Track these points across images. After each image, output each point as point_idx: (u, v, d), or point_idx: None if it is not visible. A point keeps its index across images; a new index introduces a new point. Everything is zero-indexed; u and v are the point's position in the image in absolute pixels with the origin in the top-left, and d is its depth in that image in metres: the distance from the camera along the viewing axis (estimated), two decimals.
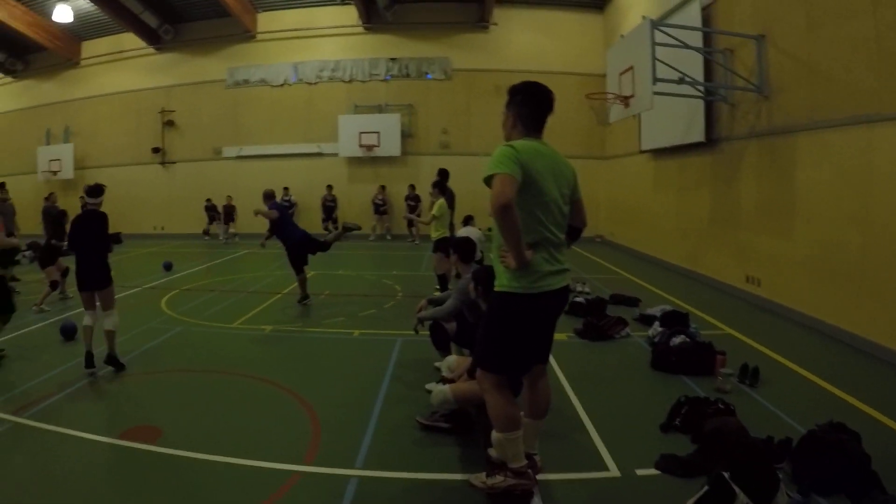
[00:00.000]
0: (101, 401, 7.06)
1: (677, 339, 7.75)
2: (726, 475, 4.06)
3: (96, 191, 8.44)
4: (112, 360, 7.90)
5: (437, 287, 11.71)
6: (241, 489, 4.83)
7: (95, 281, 7.98)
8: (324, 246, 12.25)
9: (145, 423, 6.19)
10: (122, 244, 9.42)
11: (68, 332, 9.48)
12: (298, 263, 11.97)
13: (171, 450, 5.51)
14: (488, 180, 3.89)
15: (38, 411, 6.49)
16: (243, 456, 5.33)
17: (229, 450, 5.46)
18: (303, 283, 12.01)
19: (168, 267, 16.81)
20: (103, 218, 8.27)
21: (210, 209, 25.68)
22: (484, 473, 4.52)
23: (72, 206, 27.34)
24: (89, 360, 7.76)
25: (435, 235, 11.80)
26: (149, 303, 12.39)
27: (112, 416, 6.56)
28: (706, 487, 4.12)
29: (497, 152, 4.00)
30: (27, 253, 17.72)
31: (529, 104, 4.32)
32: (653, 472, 4.82)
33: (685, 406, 5.71)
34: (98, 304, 8.07)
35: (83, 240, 8.07)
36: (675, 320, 8.85)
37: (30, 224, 20.67)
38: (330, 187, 24.37)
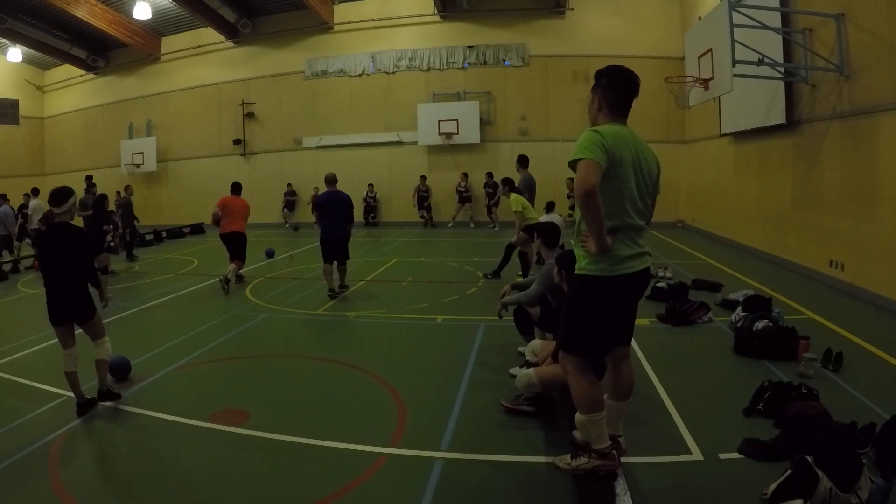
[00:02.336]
0: (189, 386, 7.35)
1: (760, 324, 7.66)
2: (810, 459, 4.05)
3: (60, 197, 6.63)
4: (106, 395, 6.66)
5: (520, 273, 11.79)
6: (328, 470, 5.01)
7: (72, 312, 6.49)
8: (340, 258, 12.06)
9: (233, 407, 6.44)
10: (114, 276, 9.52)
11: (121, 371, 7.45)
12: (326, 256, 11.95)
13: (259, 432, 5.73)
14: (573, 164, 3.94)
15: (127, 396, 6.83)
16: (330, 438, 5.51)
17: (316, 432, 5.67)
18: (326, 273, 11.93)
19: (270, 254, 17.18)
20: (76, 234, 6.63)
21: (289, 195, 26.30)
22: (569, 455, 4.56)
23: (155, 197, 28.38)
24: (82, 409, 6.41)
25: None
26: (233, 291, 12.76)
27: (200, 401, 6.76)
28: (789, 472, 4.13)
29: (583, 137, 4.03)
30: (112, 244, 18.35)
31: (615, 88, 4.31)
32: (736, 455, 4.83)
33: (768, 391, 5.67)
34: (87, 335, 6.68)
35: (51, 262, 6.48)
36: (758, 305, 8.80)
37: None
38: (423, 178, 24.52)
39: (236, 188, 14.16)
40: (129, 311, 11.01)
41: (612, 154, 3.96)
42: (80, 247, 6.51)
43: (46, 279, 6.47)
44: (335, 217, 11.78)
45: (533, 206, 12.33)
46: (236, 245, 13.58)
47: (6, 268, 16.98)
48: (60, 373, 6.51)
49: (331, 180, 12.08)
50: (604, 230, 3.94)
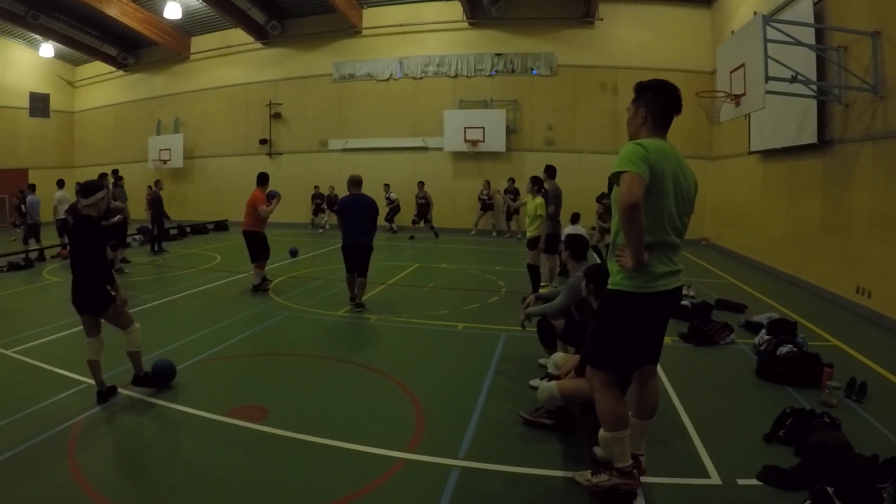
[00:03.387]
0: (209, 380, 7.43)
1: (784, 349, 7.57)
2: (830, 491, 4.04)
3: (88, 189, 6.78)
4: (142, 380, 6.85)
5: (545, 284, 11.76)
6: (345, 472, 5.04)
7: (90, 303, 6.58)
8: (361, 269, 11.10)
9: (252, 403, 6.51)
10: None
11: (163, 375, 7.11)
12: (348, 265, 11.18)
13: (277, 430, 5.81)
14: (616, 177, 3.94)
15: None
16: (347, 440, 5.55)
17: (333, 433, 5.71)
18: (350, 282, 11.20)
19: (294, 253, 17.23)
20: (95, 227, 6.72)
21: (317, 197, 26.34)
22: (589, 471, 4.55)
23: (180, 193, 28.61)
24: (102, 397, 6.54)
25: (531, 232, 11.92)
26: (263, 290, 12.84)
27: (219, 395, 6.85)
28: (808, 501, 4.12)
29: (626, 150, 4.03)
30: (138, 237, 18.49)
31: (661, 103, 4.30)
32: (754, 482, 4.78)
33: (790, 418, 5.62)
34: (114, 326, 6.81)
35: (74, 253, 6.65)
36: (783, 329, 8.70)
37: (138, 209, 21.44)
38: (421, 184, 24.26)
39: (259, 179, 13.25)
40: (152, 304, 11.16)
41: (654, 169, 3.97)
42: (94, 239, 6.61)
43: (72, 269, 6.60)
44: (359, 222, 10.96)
45: (559, 217, 12.29)
46: (249, 244, 12.94)
47: (32, 255, 17.39)
48: (82, 360, 6.64)
49: (356, 182, 11.23)
50: (642, 245, 3.94)
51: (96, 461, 5.19)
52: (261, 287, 12.69)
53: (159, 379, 7.03)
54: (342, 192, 22.04)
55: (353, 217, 10.95)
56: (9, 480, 4.84)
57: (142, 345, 6.88)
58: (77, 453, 5.26)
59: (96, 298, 6.54)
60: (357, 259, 10.97)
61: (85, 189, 6.73)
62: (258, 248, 12.77)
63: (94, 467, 5.05)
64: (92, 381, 6.65)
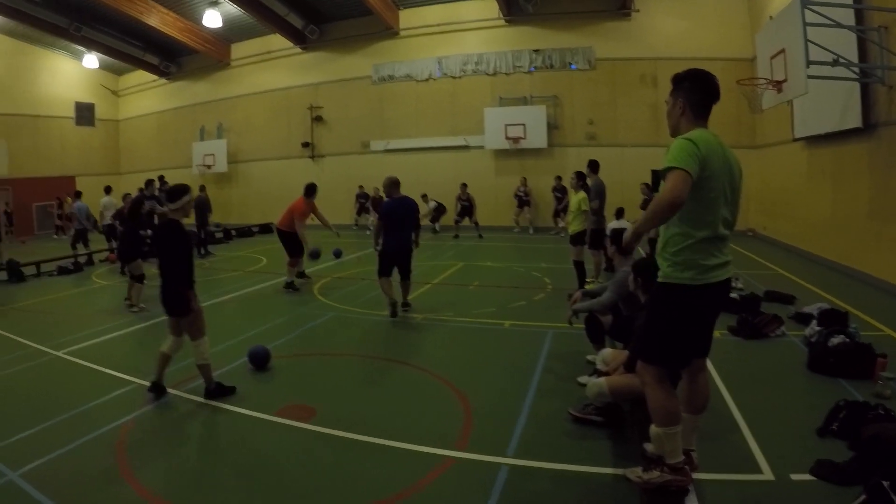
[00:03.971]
0: (257, 380, 7.55)
1: (836, 340, 7.40)
2: (885, 484, 3.98)
3: (174, 193, 6.96)
4: (213, 393, 6.77)
5: (591, 280, 11.71)
6: (393, 470, 5.08)
7: (173, 306, 6.79)
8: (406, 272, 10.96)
9: (300, 403, 6.60)
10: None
11: (259, 360, 7.88)
12: (386, 268, 10.78)
13: (325, 428, 5.88)
14: (665, 173, 3.93)
15: (195, 386, 7.06)
16: (396, 438, 5.60)
17: (382, 432, 5.76)
18: (387, 286, 10.67)
19: (315, 255, 17.24)
20: (180, 231, 6.82)
21: (361, 197, 26.44)
22: (640, 468, 4.54)
23: (225, 197, 28.97)
24: (154, 388, 6.79)
25: (573, 229, 11.88)
26: (302, 289, 13.14)
27: (268, 395, 6.97)
28: (863, 496, 4.07)
29: (677, 145, 4.00)
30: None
31: (698, 91, 4.29)
32: (808, 477, 4.71)
33: (843, 410, 5.53)
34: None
35: (160, 256, 6.88)
36: (834, 319, 8.55)
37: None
38: (464, 186, 24.18)
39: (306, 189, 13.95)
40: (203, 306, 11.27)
41: (706, 164, 3.96)
42: (177, 243, 6.72)
43: (160, 272, 6.85)
44: (404, 227, 10.67)
45: (603, 212, 12.24)
46: (284, 241, 13.55)
47: (81, 260, 17.87)
48: (131, 360, 6.96)
49: (396, 184, 10.89)
50: (644, 234, 4.15)
51: (146, 459, 5.32)
52: (291, 286, 13.12)
53: (258, 362, 7.75)
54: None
55: (398, 220, 10.63)
56: (60, 478, 4.98)
57: (210, 358, 6.88)
58: (127, 451, 5.42)
59: (180, 301, 6.69)
60: (403, 261, 10.77)
61: (171, 193, 6.92)
62: (292, 245, 13.34)
63: (143, 465, 5.19)
64: (141, 381, 6.94)
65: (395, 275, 10.77)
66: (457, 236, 23.29)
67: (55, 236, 29.27)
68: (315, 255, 16.05)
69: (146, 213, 15.19)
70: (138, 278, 11.56)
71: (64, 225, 29.77)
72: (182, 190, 6.94)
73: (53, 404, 6.60)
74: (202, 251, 19.48)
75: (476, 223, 23.73)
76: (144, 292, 11.61)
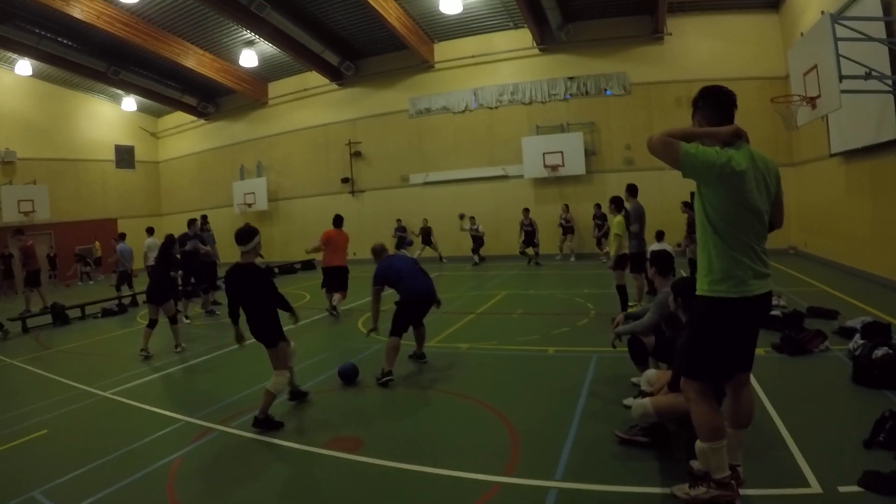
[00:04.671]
0: (303, 414, 7.68)
1: (880, 352, 7.36)
2: None
3: (244, 235, 7.39)
4: (261, 423, 6.94)
5: (633, 304, 11.74)
6: (442, 497, 5.18)
7: (264, 337, 7.32)
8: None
9: (347, 435, 6.71)
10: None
11: (348, 377, 8.62)
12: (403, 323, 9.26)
13: (373, 459, 5.95)
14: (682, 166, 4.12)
15: (242, 422, 7.23)
16: (444, 466, 5.66)
17: (430, 460, 5.84)
18: (395, 350, 8.91)
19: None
20: (256, 272, 7.39)
21: (399, 230, 26.47)
22: (687, 485, 4.60)
23: (267, 234, 29.32)
24: (293, 395, 7.95)
25: (612, 252, 11.93)
26: (345, 323, 13.39)
27: (314, 428, 7.12)
28: None
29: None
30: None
31: (713, 105, 4.40)
32: (856, 489, 4.71)
33: (889, 421, 5.50)
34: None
35: (238, 296, 7.36)
36: (877, 332, 8.46)
37: (227, 252, 21.89)
38: (527, 211, 24.13)
39: (338, 221, 15.30)
40: (246, 343, 11.43)
41: (718, 175, 4.09)
42: (259, 282, 7.32)
43: (246, 314, 7.34)
44: (415, 274, 9.44)
45: (643, 236, 12.30)
46: (341, 277, 14.66)
47: (125, 301, 18.20)
48: (177, 399, 7.29)
49: (382, 250, 9.93)
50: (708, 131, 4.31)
51: (196, 496, 5.46)
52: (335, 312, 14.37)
53: (347, 379, 8.61)
54: (434, 222, 22.10)
55: (407, 271, 9.40)
56: None
57: (279, 392, 7.32)
58: (177, 489, 5.55)
59: (268, 332, 7.27)
60: (427, 309, 9.49)
61: (240, 236, 7.34)
62: (346, 280, 14.91)
63: (194, 502, 5.33)
64: (188, 419, 7.30)
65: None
66: (538, 263, 23.32)
67: (79, 283, 29.65)
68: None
69: (188, 252, 15.55)
70: (172, 319, 11.74)
71: (90, 271, 30.36)
72: (252, 232, 7.43)
73: (103, 443, 6.80)
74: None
75: (537, 251, 23.67)
76: (183, 330, 11.97)
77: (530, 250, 23.78)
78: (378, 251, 9.83)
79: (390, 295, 9.28)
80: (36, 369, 11.03)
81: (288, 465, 6.06)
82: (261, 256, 7.95)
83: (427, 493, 5.25)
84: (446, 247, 25.98)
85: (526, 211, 24.01)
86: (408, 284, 9.19)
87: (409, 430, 6.86)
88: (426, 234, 25.92)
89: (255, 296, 7.28)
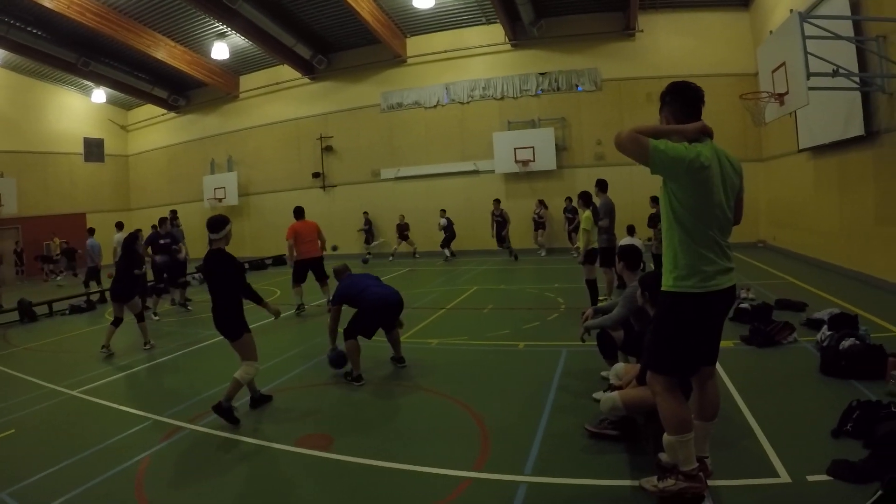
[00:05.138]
0: (274, 411, 7.57)
1: (847, 343, 7.48)
2: None
3: (216, 224, 7.41)
4: (222, 410, 6.91)
5: (603, 298, 11.78)
6: (412, 493, 5.14)
7: (226, 330, 7.26)
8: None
9: (317, 432, 6.66)
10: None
11: (338, 362, 8.68)
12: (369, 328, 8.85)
13: (344, 456, 5.90)
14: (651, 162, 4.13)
15: (212, 420, 7.09)
16: (414, 462, 5.64)
17: (400, 456, 5.81)
18: (355, 352, 8.63)
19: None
20: (228, 260, 7.31)
21: (366, 224, 26.44)
22: (655, 477, 4.61)
23: (237, 229, 28.77)
24: (253, 402, 7.58)
25: (582, 247, 11.99)
26: (316, 319, 13.31)
27: (285, 425, 7.00)
28: (880, 492, 4.10)
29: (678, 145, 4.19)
30: (197, 276, 18.88)
31: (679, 100, 4.41)
32: (824, 478, 4.75)
33: (857, 410, 5.57)
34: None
35: (209, 284, 7.36)
36: (844, 323, 8.60)
37: (197, 247, 21.67)
38: (497, 201, 23.98)
39: (299, 213, 15.22)
40: (215, 339, 11.31)
41: (687, 170, 4.09)
42: (226, 269, 7.24)
43: (211, 300, 7.31)
44: (386, 287, 9.15)
45: (613, 230, 12.35)
46: (316, 268, 14.58)
47: (94, 298, 18.12)
48: (147, 397, 7.12)
49: (344, 269, 9.56)
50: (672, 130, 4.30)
51: (166, 494, 5.37)
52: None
53: (336, 364, 8.72)
54: (412, 218, 21.98)
55: (373, 283, 9.05)
56: None
57: (247, 383, 7.32)
58: (146, 488, 5.46)
59: (230, 325, 7.19)
60: (392, 317, 9.03)
61: (212, 224, 7.33)
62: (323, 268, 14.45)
63: (163, 500, 5.25)
64: (157, 417, 7.23)
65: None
66: (515, 257, 23.22)
67: (47, 281, 28.23)
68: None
69: (164, 248, 15.40)
70: (139, 316, 11.52)
71: (47, 268, 29.28)
72: (224, 221, 7.39)
73: (71, 443, 6.68)
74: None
75: (508, 244, 23.51)
76: (152, 327, 11.86)
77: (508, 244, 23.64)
78: (340, 271, 9.47)
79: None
80: (2, 367, 10.78)
81: (258, 463, 5.98)
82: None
83: (397, 490, 5.21)
84: (418, 241, 25.89)
85: (497, 202, 23.93)
86: (374, 292, 8.75)
87: (380, 427, 6.80)
88: (402, 230, 25.72)
89: (221, 283, 7.24)
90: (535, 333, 10.72)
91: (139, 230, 14.02)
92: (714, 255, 4.20)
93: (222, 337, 7.32)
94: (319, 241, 14.88)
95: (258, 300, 7.72)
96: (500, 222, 23.72)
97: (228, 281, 7.26)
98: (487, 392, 7.73)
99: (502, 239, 23.58)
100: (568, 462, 5.47)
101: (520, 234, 24.50)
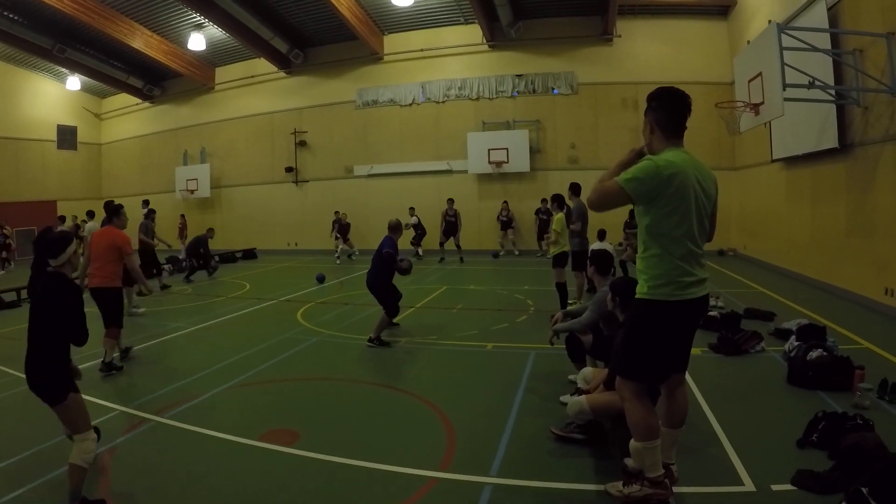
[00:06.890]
0: (239, 405, 7.52)
1: (814, 354, 7.53)
2: (865, 491, 4.03)
3: (59, 245, 5.11)
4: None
5: (572, 302, 11.77)
6: (377, 492, 5.09)
7: (37, 389, 4.82)
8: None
9: (283, 427, 6.59)
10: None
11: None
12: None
13: (309, 452, 5.86)
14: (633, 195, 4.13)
15: (178, 413, 7.03)
16: (379, 461, 5.59)
17: (365, 454, 5.76)
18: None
19: (321, 279, 17.50)
20: (68, 289, 5.03)
21: (336, 222, 25.71)
22: (621, 482, 4.59)
23: (208, 222, 28.76)
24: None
25: (553, 251, 12.02)
26: (285, 314, 13.06)
27: (250, 420, 6.93)
28: (843, 503, 4.12)
29: (640, 163, 4.18)
30: (167, 266, 18.75)
31: (666, 108, 4.37)
32: (789, 487, 4.76)
33: (822, 421, 5.60)
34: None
35: (35, 315, 4.90)
36: (812, 334, 8.61)
37: (168, 238, 21.41)
38: (451, 201, 23.92)
39: (108, 210, 10.02)
40: (182, 332, 11.25)
41: (668, 182, 4.06)
42: (66, 306, 4.91)
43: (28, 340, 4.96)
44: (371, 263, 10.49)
45: (586, 234, 12.35)
46: (101, 306, 9.14)
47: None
48: (112, 387, 7.03)
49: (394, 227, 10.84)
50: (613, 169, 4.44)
51: (130, 487, 5.27)
52: (114, 366, 8.82)
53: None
54: (373, 219, 22.07)
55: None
56: None
57: (89, 462, 4.87)
58: (112, 479, 5.39)
59: (52, 380, 4.85)
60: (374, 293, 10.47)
61: (46, 246, 5.13)
62: (116, 309, 9.16)
63: (126, 494, 5.14)
64: (123, 408, 6.98)
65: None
66: (442, 259, 23.33)
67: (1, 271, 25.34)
68: (321, 279, 16.17)
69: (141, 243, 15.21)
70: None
71: (8, 257, 26.26)
72: (64, 240, 5.14)
73: (36, 432, 6.52)
74: (190, 278, 19.32)
75: (458, 246, 23.33)
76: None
77: (451, 244, 23.47)
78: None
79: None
80: None
81: (223, 458, 5.88)
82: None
83: (362, 488, 5.16)
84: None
85: (451, 201, 23.86)
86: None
87: (346, 424, 6.73)
88: (343, 229, 25.04)
89: (51, 320, 4.84)
90: (504, 335, 10.70)
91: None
92: (689, 265, 4.20)
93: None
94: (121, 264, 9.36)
95: (82, 341, 5.11)
96: (452, 223, 23.55)
97: (61, 318, 4.86)
98: (455, 392, 7.71)
99: (454, 238, 23.42)
100: (534, 464, 5.45)
101: (491, 234, 24.69)
